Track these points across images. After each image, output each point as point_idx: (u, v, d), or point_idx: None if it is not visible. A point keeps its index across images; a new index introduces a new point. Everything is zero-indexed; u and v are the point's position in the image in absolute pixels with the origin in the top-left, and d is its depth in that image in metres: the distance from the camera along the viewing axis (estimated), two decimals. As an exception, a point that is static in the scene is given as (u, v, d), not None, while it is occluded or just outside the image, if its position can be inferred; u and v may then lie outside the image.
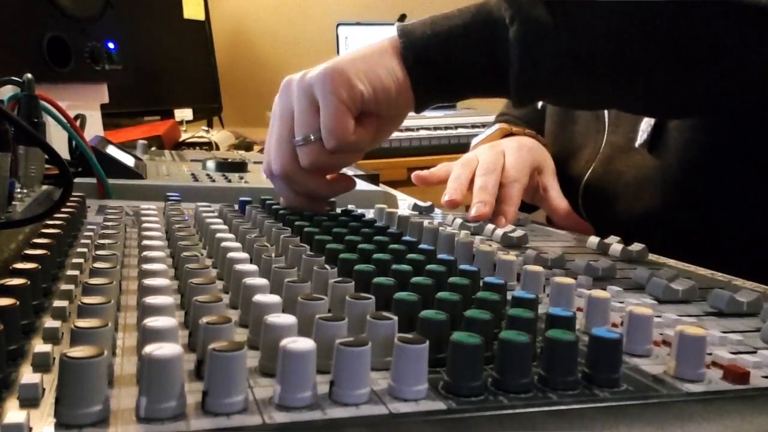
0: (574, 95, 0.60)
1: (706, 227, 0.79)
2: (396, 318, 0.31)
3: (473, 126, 1.89)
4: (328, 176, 0.64)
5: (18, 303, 0.31)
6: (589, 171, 0.87)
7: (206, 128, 1.98)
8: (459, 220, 0.72)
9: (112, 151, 0.90)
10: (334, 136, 0.56)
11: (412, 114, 0.62)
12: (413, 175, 0.87)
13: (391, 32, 0.59)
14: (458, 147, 1.78)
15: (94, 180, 0.79)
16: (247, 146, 1.79)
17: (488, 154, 0.80)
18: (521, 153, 0.81)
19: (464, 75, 0.57)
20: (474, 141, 0.94)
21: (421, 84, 0.57)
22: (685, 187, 0.77)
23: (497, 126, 0.93)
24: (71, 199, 0.58)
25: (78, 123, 0.82)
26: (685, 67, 0.56)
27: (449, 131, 1.91)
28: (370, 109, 0.57)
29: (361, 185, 0.89)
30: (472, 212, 0.72)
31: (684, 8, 0.53)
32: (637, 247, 0.62)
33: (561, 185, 0.85)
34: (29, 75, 0.74)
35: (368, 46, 0.59)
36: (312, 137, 0.57)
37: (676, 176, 0.76)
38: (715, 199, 0.77)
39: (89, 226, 0.58)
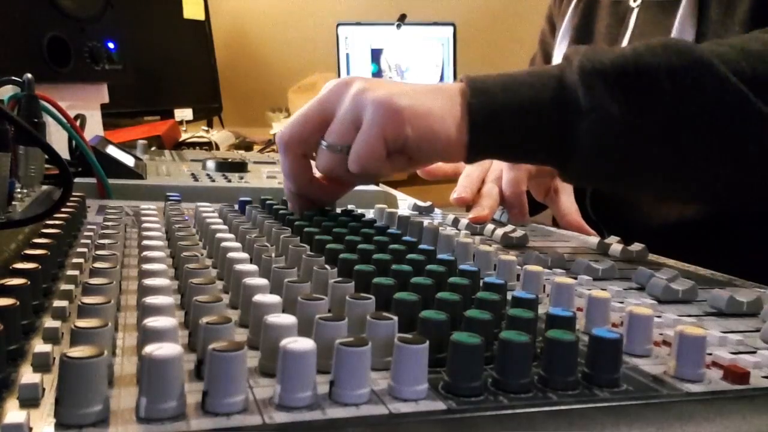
0: (632, 186, 0.62)
1: (709, 228, 0.79)
2: (396, 318, 0.31)
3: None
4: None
5: (18, 303, 0.31)
6: None
7: (206, 128, 1.98)
8: (459, 220, 0.72)
9: (112, 151, 0.90)
10: (360, 162, 0.56)
11: None
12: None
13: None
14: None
15: (94, 180, 0.79)
16: (247, 146, 1.79)
17: None
18: None
19: (523, 147, 0.58)
20: None
21: (480, 145, 0.57)
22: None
23: None
24: (71, 199, 0.58)
25: (78, 123, 0.82)
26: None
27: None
28: (407, 152, 0.57)
29: (361, 185, 0.89)
30: (471, 214, 0.73)
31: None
32: (637, 247, 0.62)
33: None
34: (29, 75, 0.74)
35: (436, 87, 0.59)
36: (339, 148, 0.57)
37: None
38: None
39: (89, 226, 0.58)
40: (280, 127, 1.80)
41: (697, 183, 0.59)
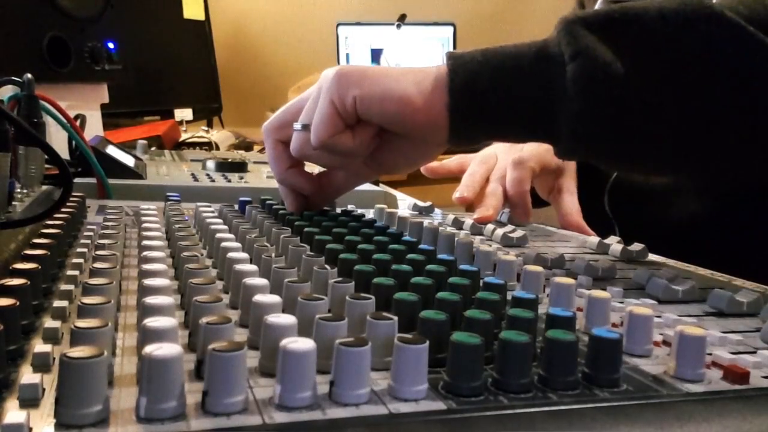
0: (633, 150, 0.53)
1: (720, 226, 0.79)
2: (396, 318, 0.31)
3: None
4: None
5: (18, 303, 0.31)
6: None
7: (206, 128, 1.98)
8: (460, 220, 0.72)
9: (112, 151, 0.90)
10: (316, 133, 0.56)
11: None
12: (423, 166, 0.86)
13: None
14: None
15: (94, 180, 0.79)
16: (247, 146, 1.79)
17: (508, 156, 0.80)
18: (540, 150, 0.80)
19: (510, 109, 0.53)
20: None
21: (461, 111, 0.53)
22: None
23: None
24: (71, 199, 0.58)
25: (78, 123, 0.82)
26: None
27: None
28: (368, 119, 0.55)
29: (362, 185, 0.89)
30: (476, 215, 0.73)
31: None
32: (637, 247, 0.62)
33: (586, 183, 0.86)
34: (29, 75, 0.74)
35: (415, 68, 0.57)
36: (307, 127, 0.57)
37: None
38: (726, 200, 0.77)
39: (89, 226, 0.58)
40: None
41: (708, 143, 0.52)
